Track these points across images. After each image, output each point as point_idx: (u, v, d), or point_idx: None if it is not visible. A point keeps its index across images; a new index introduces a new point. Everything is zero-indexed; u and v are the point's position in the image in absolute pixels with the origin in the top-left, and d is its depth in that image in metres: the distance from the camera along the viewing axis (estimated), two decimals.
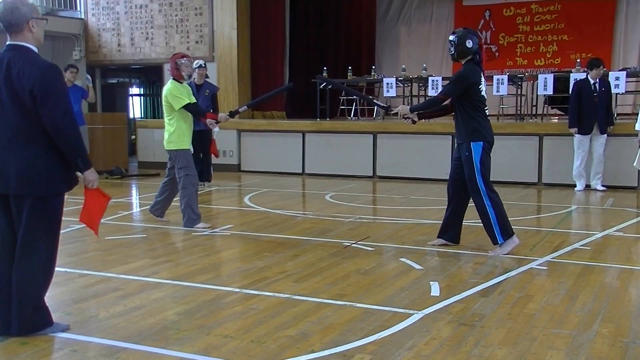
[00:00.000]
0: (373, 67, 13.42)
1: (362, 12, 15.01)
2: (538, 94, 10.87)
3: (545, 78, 10.13)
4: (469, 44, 5.07)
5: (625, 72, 9.95)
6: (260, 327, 3.55)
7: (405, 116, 5.39)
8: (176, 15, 12.87)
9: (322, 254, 5.27)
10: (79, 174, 3.47)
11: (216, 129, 9.66)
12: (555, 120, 11.37)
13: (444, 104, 5.30)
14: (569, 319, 3.71)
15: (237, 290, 4.28)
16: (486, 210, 5.06)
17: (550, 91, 10.16)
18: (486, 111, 5.22)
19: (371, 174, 10.67)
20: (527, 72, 12.05)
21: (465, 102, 5.09)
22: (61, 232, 3.53)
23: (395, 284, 4.41)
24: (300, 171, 11.18)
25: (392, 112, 5.59)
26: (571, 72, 10.22)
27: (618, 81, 9.44)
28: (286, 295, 4.13)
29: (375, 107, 12.79)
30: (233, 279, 4.61)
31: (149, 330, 3.52)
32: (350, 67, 12.31)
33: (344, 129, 11.11)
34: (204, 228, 6.41)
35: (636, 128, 8.02)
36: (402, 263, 4.99)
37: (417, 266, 4.85)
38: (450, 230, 5.45)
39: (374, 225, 6.68)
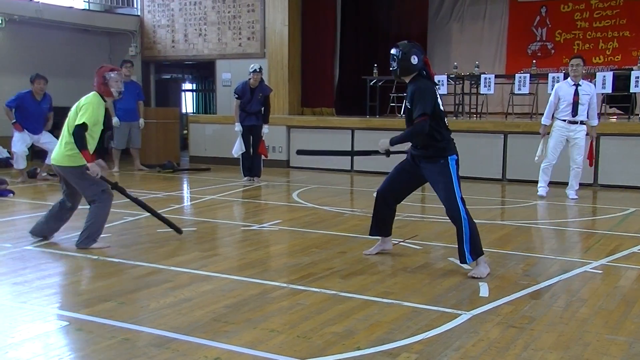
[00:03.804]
0: None
1: (413, 9, 14.84)
2: (596, 92, 10.52)
3: (604, 76, 9.80)
4: (414, 60, 4.56)
5: None
6: (306, 323, 3.56)
7: (385, 150, 4.83)
8: (229, 12, 13.05)
9: None
10: None
11: (265, 130, 9.75)
12: (613, 119, 10.99)
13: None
14: (624, 326, 3.58)
15: (284, 285, 4.30)
16: (461, 225, 4.57)
17: (609, 89, 9.81)
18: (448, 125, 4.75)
19: None
20: (585, 70, 11.67)
21: (430, 119, 4.57)
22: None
23: (443, 284, 4.36)
24: (349, 168, 11.17)
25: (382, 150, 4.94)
26: (632, 70, 9.86)
27: None
28: (333, 292, 4.13)
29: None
30: (280, 274, 4.65)
31: (197, 321, 3.58)
32: None
33: (394, 126, 10.99)
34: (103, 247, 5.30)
35: (542, 122, 8.24)
36: (450, 262, 4.93)
37: (466, 266, 4.77)
38: (384, 226, 5.18)
39: (422, 223, 6.62)
